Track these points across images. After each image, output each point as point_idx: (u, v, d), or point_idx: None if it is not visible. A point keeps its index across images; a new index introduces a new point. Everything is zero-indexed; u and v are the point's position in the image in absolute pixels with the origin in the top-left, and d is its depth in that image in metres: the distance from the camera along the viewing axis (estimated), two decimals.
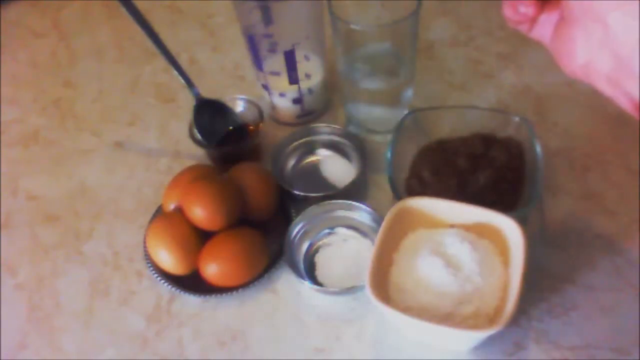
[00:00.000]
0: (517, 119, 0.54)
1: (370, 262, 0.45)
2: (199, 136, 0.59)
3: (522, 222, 0.45)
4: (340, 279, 0.51)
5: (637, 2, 0.30)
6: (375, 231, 0.50)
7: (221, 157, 0.61)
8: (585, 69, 0.34)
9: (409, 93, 0.60)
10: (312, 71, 0.62)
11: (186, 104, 0.64)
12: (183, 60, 0.66)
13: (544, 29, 0.37)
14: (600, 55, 0.33)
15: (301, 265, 0.53)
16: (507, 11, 0.37)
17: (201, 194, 0.51)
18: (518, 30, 0.39)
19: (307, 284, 0.50)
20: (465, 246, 0.45)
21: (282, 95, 0.62)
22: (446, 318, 0.43)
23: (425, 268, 0.44)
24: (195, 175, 0.53)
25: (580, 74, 0.35)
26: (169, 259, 0.51)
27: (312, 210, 0.54)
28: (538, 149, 0.51)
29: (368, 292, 0.43)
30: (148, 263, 0.54)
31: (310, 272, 0.52)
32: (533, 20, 0.37)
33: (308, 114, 0.65)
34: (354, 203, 0.54)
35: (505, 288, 0.44)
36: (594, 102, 0.37)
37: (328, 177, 0.60)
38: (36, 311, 0.53)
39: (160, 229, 0.52)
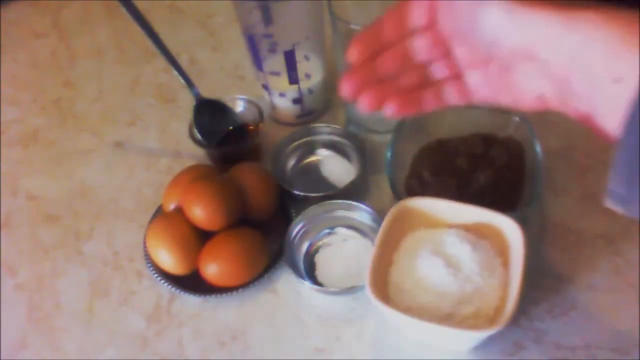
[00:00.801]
0: (517, 119, 0.54)
1: (370, 262, 0.45)
2: (199, 136, 0.59)
3: (522, 222, 0.45)
4: (340, 279, 0.51)
5: (558, 29, 0.31)
6: (375, 231, 0.50)
7: (221, 157, 0.61)
8: (539, 101, 0.36)
9: None
10: (312, 71, 0.62)
11: (186, 104, 0.64)
12: (183, 60, 0.66)
13: (482, 92, 0.39)
14: (543, 85, 0.34)
15: (301, 265, 0.53)
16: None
17: (201, 194, 0.51)
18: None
19: (307, 284, 0.50)
20: (465, 246, 0.45)
21: (282, 95, 0.62)
22: (446, 318, 0.43)
23: (425, 268, 0.44)
24: (195, 175, 0.53)
25: (539, 106, 0.36)
26: (169, 259, 0.51)
27: (312, 210, 0.54)
28: (538, 149, 0.51)
29: (368, 292, 0.43)
30: (148, 263, 0.54)
31: (310, 272, 0.52)
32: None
33: (308, 114, 0.65)
34: (354, 203, 0.54)
35: (505, 288, 0.44)
36: None
37: (328, 177, 0.60)
38: (36, 311, 0.53)
39: (160, 229, 0.52)
